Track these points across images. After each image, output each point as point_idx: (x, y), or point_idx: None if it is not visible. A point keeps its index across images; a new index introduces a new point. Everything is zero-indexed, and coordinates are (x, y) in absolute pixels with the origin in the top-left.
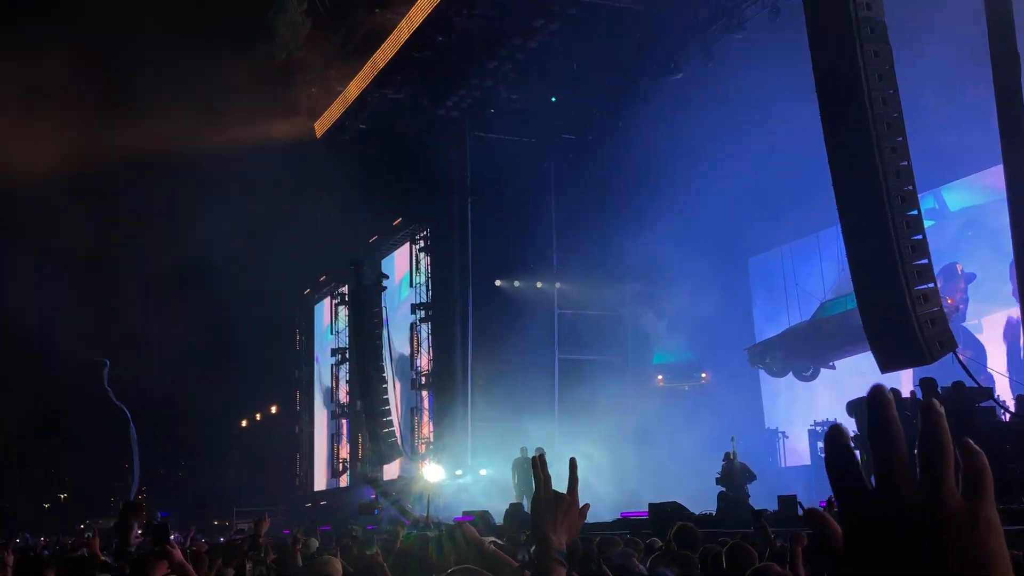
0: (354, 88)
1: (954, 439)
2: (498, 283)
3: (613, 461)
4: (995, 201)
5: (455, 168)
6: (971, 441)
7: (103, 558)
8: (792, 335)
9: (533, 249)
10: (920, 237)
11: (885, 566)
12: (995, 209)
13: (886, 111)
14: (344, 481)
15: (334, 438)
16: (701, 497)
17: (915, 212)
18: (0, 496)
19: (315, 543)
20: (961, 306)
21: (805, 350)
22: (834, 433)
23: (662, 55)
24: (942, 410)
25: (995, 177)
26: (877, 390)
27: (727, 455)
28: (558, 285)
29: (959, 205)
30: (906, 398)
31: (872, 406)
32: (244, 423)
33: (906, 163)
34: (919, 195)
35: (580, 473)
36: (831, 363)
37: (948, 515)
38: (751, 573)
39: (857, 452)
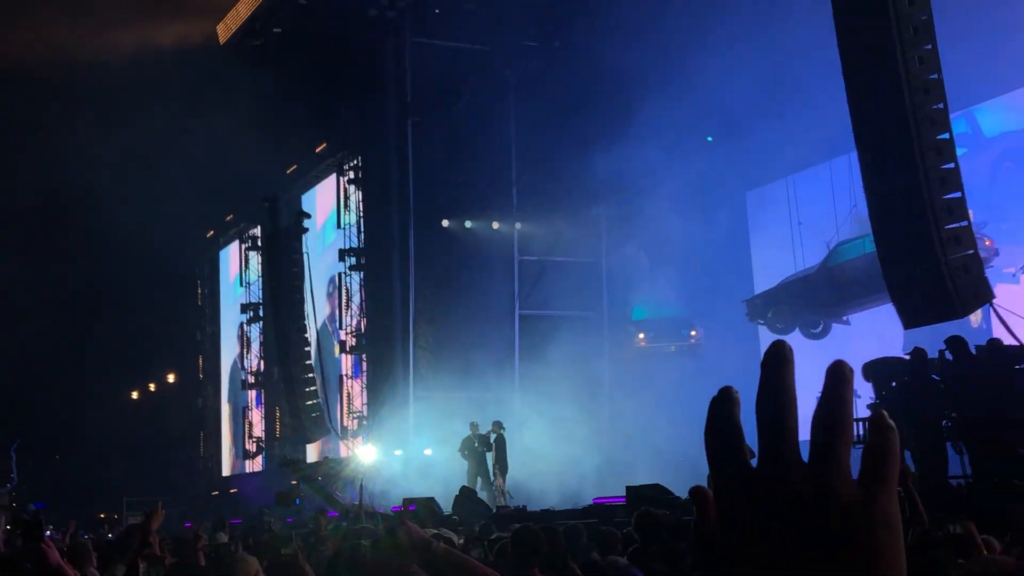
0: None
1: (993, 404)
2: (445, 223)
3: (586, 437)
4: None
5: (392, 82)
6: (885, 414)
7: None
8: (798, 285)
9: (488, 182)
10: (952, 166)
11: (757, 562)
12: None
13: (913, 12)
14: (257, 464)
15: (244, 412)
16: (691, 478)
17: (946, 136)
18: None
19: (224, 538)
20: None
21: (814, 302)
22: (721, 397)
23: None
24: (847, 373)
25: None
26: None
27: None
28: (518, 226)
29: (996, 130)
30: (933, 359)
31: (764, 365)
32: (135, 395)
33: (936, 76)
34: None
35: (545, 451)
36: (845, 318)
37: (837, 509)
38: None
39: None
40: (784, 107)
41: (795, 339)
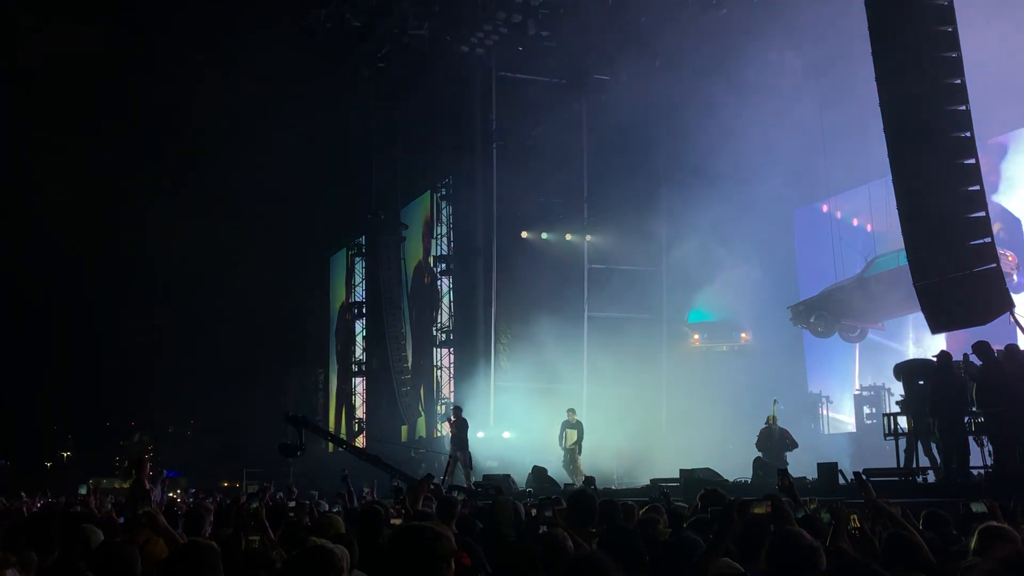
0: (374, 22)
1: (1010, 404)
2: (525, 235)
3: (646, 425)
4: None
5: (478, 111)
6: None
7: (102, 515)
8: (838, 293)
9: (562, 198)
10: (977, 188)
11: None
12: None
13: (943, 49)
14: (361, 442)
15: (349, 396)
16: (739, 464)
17: (972, 161)
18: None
19: (325, 506)
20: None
21: (852, 309)
22: None
23: None
24: None
25: None
26: None
27: (768, 419)
28: (588, 238)
29: None
30: (958, 361)
31: None
32: (259, 379)
33: (964, 107)
34: None
35: (608, 435)
36: (880, 323)
37: None
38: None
39: (903, 418)
40: (832, 133)
41: (833, 342)
